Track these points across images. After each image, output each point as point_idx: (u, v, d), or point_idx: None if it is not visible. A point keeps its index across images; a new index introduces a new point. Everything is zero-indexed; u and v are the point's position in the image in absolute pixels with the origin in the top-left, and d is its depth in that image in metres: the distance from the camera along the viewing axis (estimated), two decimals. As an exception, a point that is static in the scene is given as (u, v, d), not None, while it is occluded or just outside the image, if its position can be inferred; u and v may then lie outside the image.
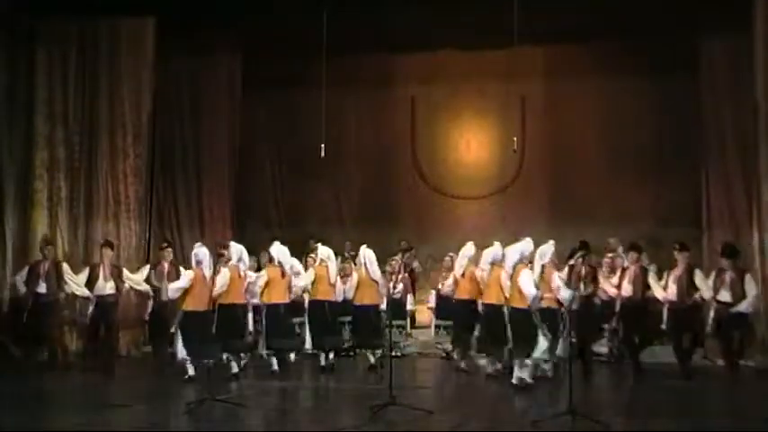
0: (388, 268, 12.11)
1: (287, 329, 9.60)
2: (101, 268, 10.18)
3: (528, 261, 8.60)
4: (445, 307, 11.11)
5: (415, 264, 13.09)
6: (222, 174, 13.18)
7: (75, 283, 10.13)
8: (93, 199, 11.51)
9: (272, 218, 14.82)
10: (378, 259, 13.34)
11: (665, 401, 8.21)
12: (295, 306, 9.99)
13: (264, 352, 9.53)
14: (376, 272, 10.06)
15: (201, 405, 7.24)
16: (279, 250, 9.61)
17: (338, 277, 10.17)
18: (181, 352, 8.93)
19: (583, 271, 9.66)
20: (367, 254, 10.08)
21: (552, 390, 8.29)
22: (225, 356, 9.15)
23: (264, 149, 14.86)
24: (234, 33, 12.61)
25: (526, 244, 8.66)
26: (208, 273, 8.94)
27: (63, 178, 11.42)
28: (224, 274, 9.11)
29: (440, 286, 11.15)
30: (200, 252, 9.03)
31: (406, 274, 11.56)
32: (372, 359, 10.08)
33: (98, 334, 10.26)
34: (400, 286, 10.89)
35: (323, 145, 10.39)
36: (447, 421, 6.98)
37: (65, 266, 10.22)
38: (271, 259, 9.63)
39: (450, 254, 11.64)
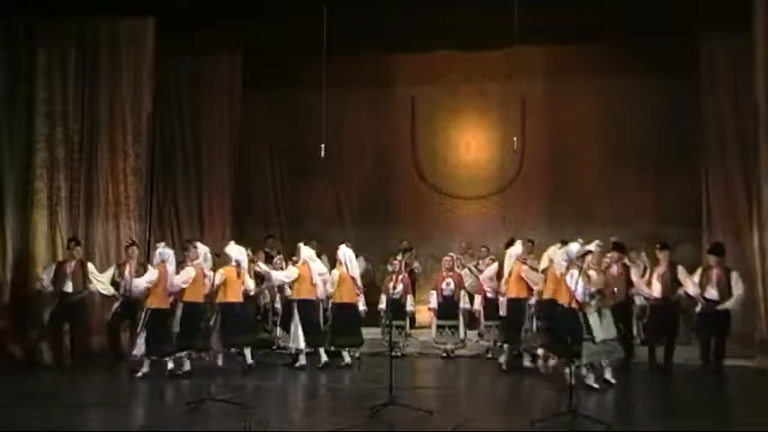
0: (389, 268, 12.17)
1: (243, 327, 9.79)
2: (126, 267, 10.23)
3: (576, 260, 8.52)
4: (446, 307, 11.17)
5: (416, 264, 13.08)
6: (222, 174, 13.18)
7: (101, 281, 10.22)
8: (93, 199, 11.50)
9: (272, 217, 14.82)
10: (378, 259, 13.45)
11: (663, 401, 8.21)
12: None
13: (221, 349, 9.70)
14: (355, 270, 10.32)
15: (201, 405, 7.25)
16: (236, 250, 9.76)
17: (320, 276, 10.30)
18: (139, 349, 9.15)
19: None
20: (346, 252, 10.32)
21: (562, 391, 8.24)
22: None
23: (264, 149, 14.86)
24: (234, 33, 12.58)
25: (574, 245, 8.61)
26: (171, 271, 9.27)
27: (63, 178, 11.40)
28: (188, 272, 9.38)
29: (443, 286, 11.18)
30: (165, 252, 9.40)
31: (406, 275, 11.55)
32: (348, 358, 10.17)
33: (118, 332, 10.36)
34: (400, 287, 10.89)
35: (323, 145, 10.40)
36: (447, 421, 6.97)
37: (89, 266, 10.30)
38: (228, 259, 9.75)
39: (450, 254, 11.72)
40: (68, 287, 10.05)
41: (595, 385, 8.28)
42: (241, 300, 9.78)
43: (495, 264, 10.64)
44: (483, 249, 12.18)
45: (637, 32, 12.05)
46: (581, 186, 13.74)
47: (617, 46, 12.78)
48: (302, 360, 10.02)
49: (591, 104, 13.90)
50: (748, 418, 7.49)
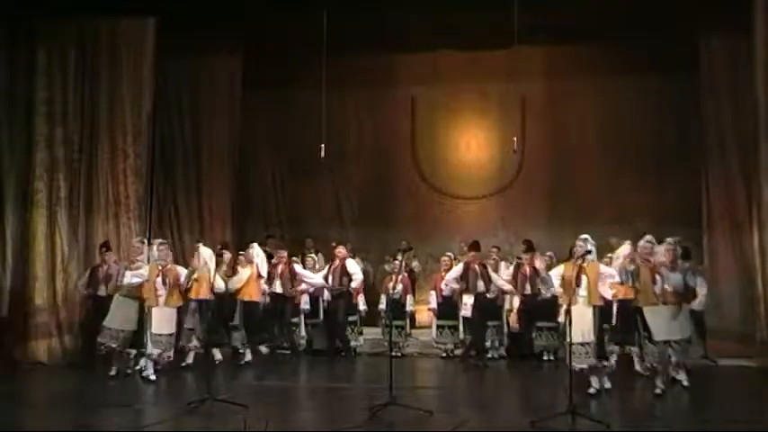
0: (387, 268, 12.14)
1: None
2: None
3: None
4: (446, 307, 11.15)
5: (415, 263, 13.08)
6: (222, 174, 13.17)
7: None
8: (93, 199, 11.47)
9: (272, 217, 14.84)
10: (378, 259, 13.45)
11: (663, 401, 8.20)
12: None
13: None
14: (264, 269, 10.61)
15: (202, 405, 7.25)
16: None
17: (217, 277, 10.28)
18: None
19: (528, 271, 10.61)
20: (259, 252, 10.61)
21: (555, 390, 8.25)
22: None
23: (264, 149, 14.88)
24: (234, 33, 12.59)
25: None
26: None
27: (63, 178, 11.38)
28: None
29: (443, 286, 11.16)
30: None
31: (406, 275, 11.54)
32: (249, 356, 10.35)
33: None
34: (400, 287, 10.88)
35: (323, 145, 10.41)
36: (447, 421, 6.97)
37: None
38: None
39: (448, 253, 11.68)
40: (102, 291, 10.10)
41: (595, 387, 8.22)
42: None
43: (461, 264, 10.68)
44: (493, 250, 12.07)
45: (637, 32, 12.07)
46: (581, 186, 13.76)
47: (617, 46, 12.78)
48: (189, 359, 10.07)
49: (591, 104, 13.92)
50: (749, 417, 7.48)
